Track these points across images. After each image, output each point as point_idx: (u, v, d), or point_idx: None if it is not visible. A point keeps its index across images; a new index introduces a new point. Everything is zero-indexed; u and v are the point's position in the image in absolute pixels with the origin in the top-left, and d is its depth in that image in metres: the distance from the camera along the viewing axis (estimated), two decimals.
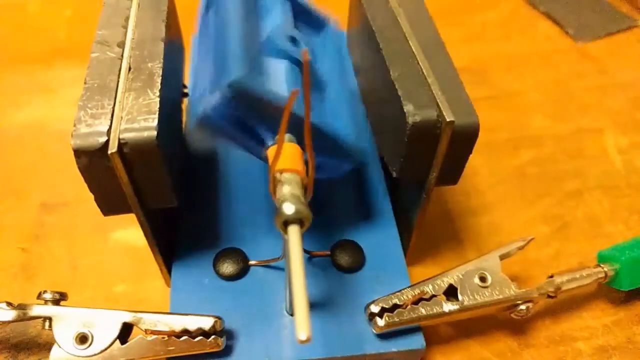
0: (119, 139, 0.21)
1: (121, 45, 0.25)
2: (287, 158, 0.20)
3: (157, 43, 0.25)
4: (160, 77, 0.24)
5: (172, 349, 0.24)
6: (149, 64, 0.24)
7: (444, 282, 0.26)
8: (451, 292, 0.27)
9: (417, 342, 0.26)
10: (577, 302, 0.31)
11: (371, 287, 0.28)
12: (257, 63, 0.24)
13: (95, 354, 0.24)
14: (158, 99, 0.23)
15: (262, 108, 0.22)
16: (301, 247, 0.18)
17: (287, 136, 0.22)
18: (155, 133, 0.21)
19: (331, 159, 0.25)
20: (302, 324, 0.16)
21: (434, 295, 0.26)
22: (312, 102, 0.24)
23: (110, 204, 0.23)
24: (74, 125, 0.21)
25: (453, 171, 0.26)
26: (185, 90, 0.33)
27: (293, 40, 0.26)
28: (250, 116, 0.22)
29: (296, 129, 0.21)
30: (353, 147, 0.25)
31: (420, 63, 0.25)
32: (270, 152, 0.21)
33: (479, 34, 0.50)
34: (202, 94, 0.23)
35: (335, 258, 0.28)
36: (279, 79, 0.24)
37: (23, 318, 0.24)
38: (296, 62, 0.25)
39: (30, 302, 0.25)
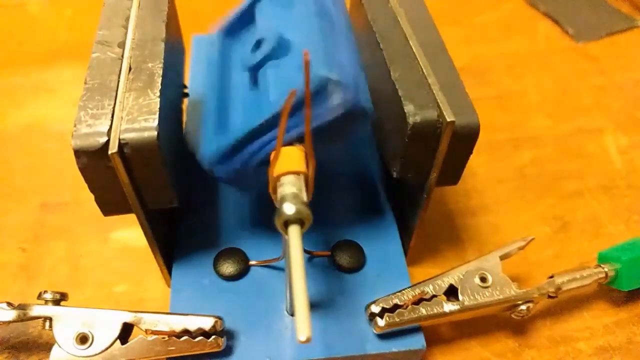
0: (120, 139, 0.21)
1: (121, 45, 0.25)
2: (287, 160, 0.20)
3: (157, 43, 0.25)
4: (161, 78, 0.24)
5: (172, 349, 0.24)
6: (150, 64, 0.24)
7: (444, 282, 0.26)
8: (452, 292, 0.27)
9: (417, 342, 0.26)
10: (577, 303, 0.31)
11: (372, 287, 0.28)
12: (233, 109, 0.26)
13: (95, 354, 0.24)
14: (158, 99, 0.23)
15: (243, 147, 0.23)
16: (301, 247, 0.18)
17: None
18: (155, 133, 0.21)
19: (325, 110, 0.23)
20: (302, 324, 0.16)
21: (434, 296, 0.26)
22: (286, 73, 0.24)
23: (110, 204, 0.23)
24: (75, 126, 0.21)
25: (453, 171, 0.26)
26: (186, 91, 0.33)
27: (258, 44, 0.26)
28: (240, 160, 0.24)
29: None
30: (325, 82, 0.22)
31: (420, 63, 0.25)
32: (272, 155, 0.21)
33: (479, 34, 0.50)
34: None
35: (336, 258, 0.28)
36: (267, 89, 0.24)
37: (23, 318, 0.24)
38: (269, 57, 0.25)
39: (31, 302, 0.25)
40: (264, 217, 0.30)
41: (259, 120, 0.23)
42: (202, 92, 0.27)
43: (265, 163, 0.23)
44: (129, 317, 0.24)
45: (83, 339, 0.24)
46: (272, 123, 0.23)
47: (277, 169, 0.20)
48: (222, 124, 0.25)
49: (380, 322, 0.25)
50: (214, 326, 0.24)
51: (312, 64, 0.23)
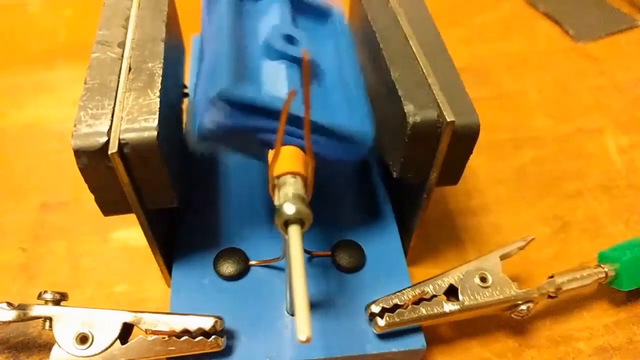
0: (120, 139, 0.21)
1: (121, 45, 0.25)
2: (286, 160, 0.20)
3: (157, 43, 0.25)
4: (161, 77, 0.24)
5: (172, 349, 0.24)
6: (150, 64, 0.24)
7: (444, 282, 0.26)
8: (452, 292, 0.26)
9: (417, 342, 0.26)
10: (577, 303, 0.31)
11: (372, 287, 0.28)
12: (247, 70, 0.24)
13: (95, 354, 0.24)
14: (158, 99, 0.23)
15: (256, 113, 0.22)
16: (302, 247, 0.18)
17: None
18: (155, 133, 0.21)
19: (336, 147, 0.24)
20: (302, 324, 0.16)
21: (434, 296, 0.26)
22: (312, 95, 0.24)
23: (110, 204, 0.23)
24: (74, 126, 0.21)
25: (453, 171, 0.26)
26: (186, 91, 0.33)
27: (290, 39, 0.25)
28: (247, 123, 0.22)
29: (295, 125, 0.21)
30: (355, 135, 0.24)
31: (420, 63, 0.25)
32: (270, 154, 0.21)
33: (479, 34, 0.50)
34: (197, 102, 0.23)
35: (336, 258, 0.28)
36: (278, 81, 0.24)
37: (23, 318, 0.24)
38: (296, 61, 0.25)
39: (31, 302, 0.25)
40: (264, 217, 0.30)
41: (275, 105, 0.22)
42: (221, 24, 0.25)
43: (266, 145, 0.22)
44: (129, 317, 0.24)
45: (83, 339, 0.24)
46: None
47: (277, 168, 0.20)
48: (247, 72, 0.24)
49: (380, 322, 0.25)
50: (214, 326, 0.24)
51: (358, 117, 0.24)
